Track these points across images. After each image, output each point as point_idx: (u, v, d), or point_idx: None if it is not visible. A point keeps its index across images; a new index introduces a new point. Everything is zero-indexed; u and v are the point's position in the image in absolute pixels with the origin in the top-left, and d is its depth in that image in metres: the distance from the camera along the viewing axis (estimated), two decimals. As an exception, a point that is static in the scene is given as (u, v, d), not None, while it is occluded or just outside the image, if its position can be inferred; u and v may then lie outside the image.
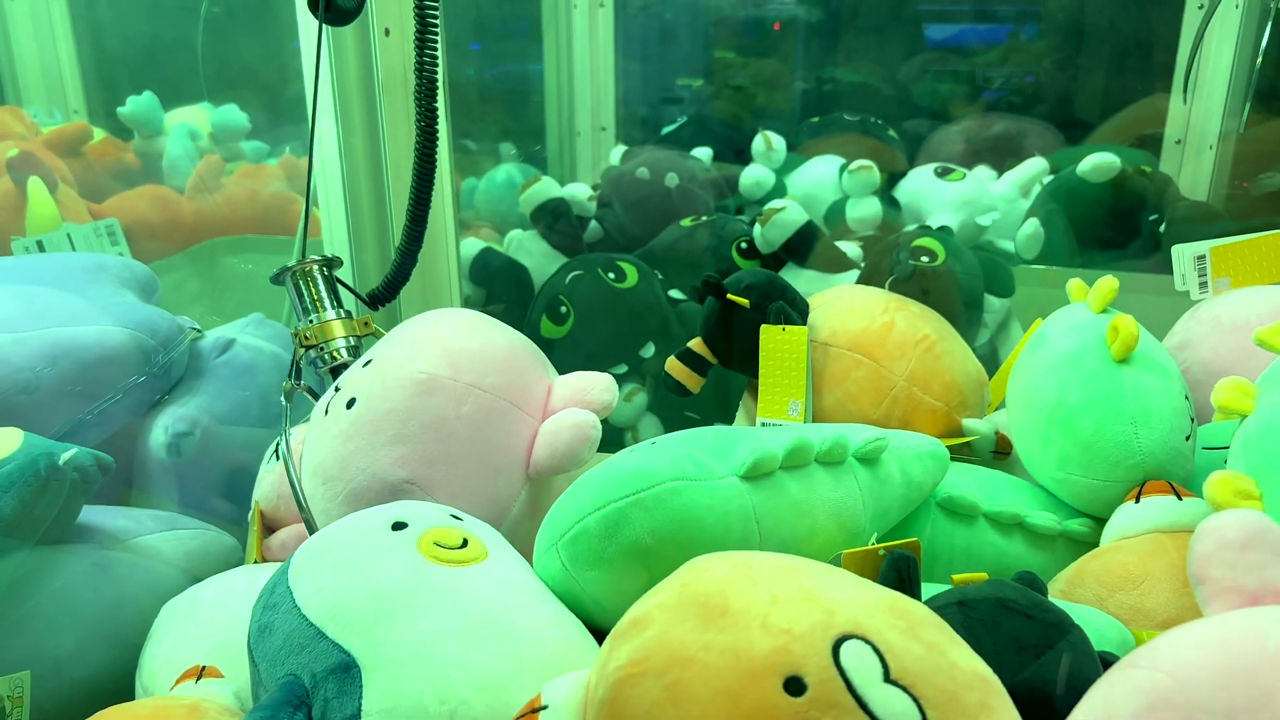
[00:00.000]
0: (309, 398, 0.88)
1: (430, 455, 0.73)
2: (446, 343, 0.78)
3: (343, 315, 0.93)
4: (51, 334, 0.88)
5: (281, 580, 0.60)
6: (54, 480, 0.73)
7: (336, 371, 0.89)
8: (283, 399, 0.87)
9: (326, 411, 0.78)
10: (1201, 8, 1.55)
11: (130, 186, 1.58)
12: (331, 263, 0.95)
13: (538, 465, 0.75)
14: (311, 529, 0.76)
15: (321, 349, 0.91)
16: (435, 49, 0.93)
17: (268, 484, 0.87)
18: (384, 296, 1.01)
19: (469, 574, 0.59)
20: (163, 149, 1.64)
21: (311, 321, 0.91)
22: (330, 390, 0.81)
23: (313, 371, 0.92)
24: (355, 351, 0.92)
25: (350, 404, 0.76)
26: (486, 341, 0.79)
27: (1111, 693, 0.44)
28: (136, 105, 1.66)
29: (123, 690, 0.73)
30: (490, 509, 0.74)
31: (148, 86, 1.68)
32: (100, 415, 0.90)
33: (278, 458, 0.87)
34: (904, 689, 0.44)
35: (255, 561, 0.84)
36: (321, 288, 0.93)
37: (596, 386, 0.79)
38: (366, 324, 0.94)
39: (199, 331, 1.01)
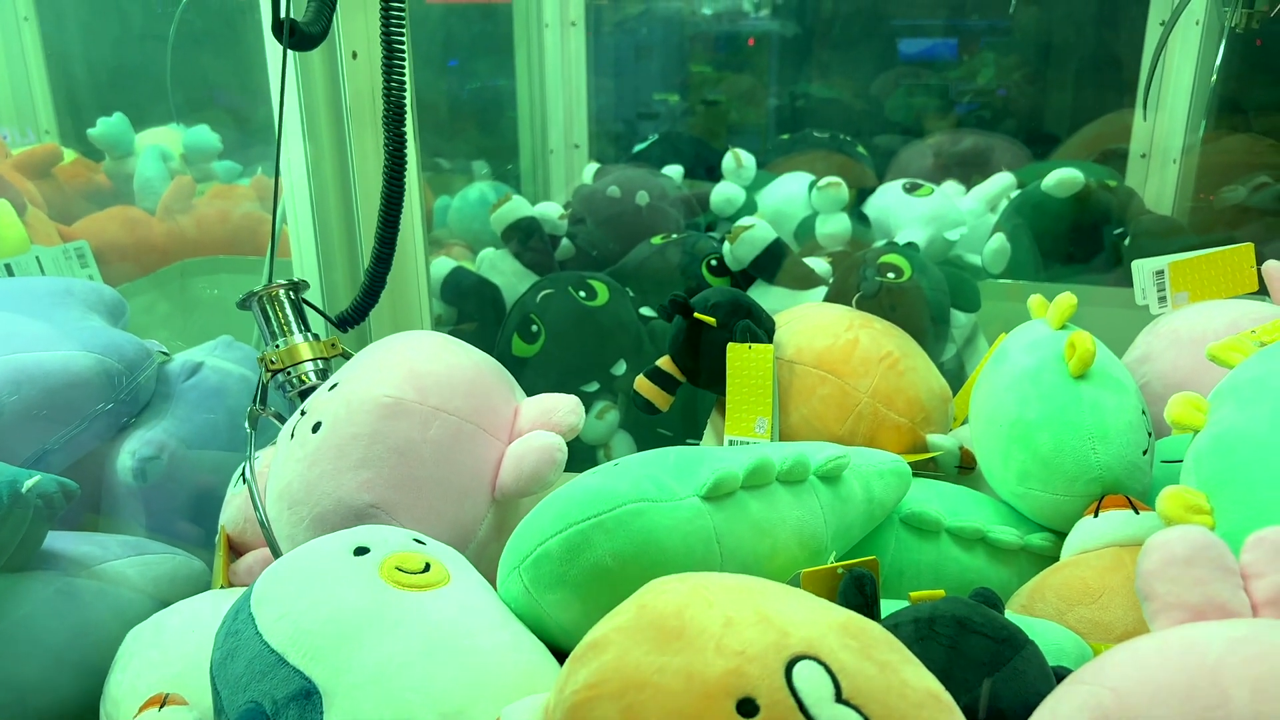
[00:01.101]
0: (275, 423, 0.88)
1: (396, 480, 0.73)
2: (413, 365, 0.78)
3: (310, 338, 0.93)
4: (16, 359, 0.87)
5: (244, 606, 0.60)
6: (17, 507, 0.73)
7: (305, 395, 0.89)
8: (247, 425, 0.87)
9: (292, 435, 0.78)
10: (1162, 25, 1.58)
11: (102, 208, 1.57)
12: (298, 286, 0.95)
13: (503, 488, 0.76)
14: (276, 554, 0.76)
15: (289, 373, 0.91)
16: (402, 73, 0.94)
17: (234, 507, 0.87)
18: (353, 319, 1.01)
19: (431, 598, 0.59)
20: (134, 170, 1.64)
21: (278, 345, 0.91)
22: (296, 414, 0.81)
23: (281, 396, 0.92)
24: (323, 374, 0.92)
25: (316, 428, 0.76)
26: (453, 364, 0.80)
27: (1058, 709, 0.45)
28: (107, 126, 1.65)
29: (87, 718, 0.73)
30: (456, 532, 0.74)
31: (119, 107, 1.68)
32: (66, 441, 0.89)
33: (244, 481, 0.87)
34: (855, 709, 0.45)
35: (222, 586, 0.84)
36: (288, 311, 0.93)
37: (563, 408, 0.80)
38: (334, 345, 0.94)
39: (166, 355, 1.01)
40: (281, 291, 0.93)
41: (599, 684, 0.47)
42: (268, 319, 0.93)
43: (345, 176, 1.13)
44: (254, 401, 0.88)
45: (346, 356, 0.91)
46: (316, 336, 0.94)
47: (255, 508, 0.79)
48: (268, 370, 0.90)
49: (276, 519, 0.77)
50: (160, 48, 1.65)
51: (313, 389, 0.88)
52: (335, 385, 0.79)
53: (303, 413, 0.79)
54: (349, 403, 0.76)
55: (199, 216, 1.57)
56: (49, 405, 0.88)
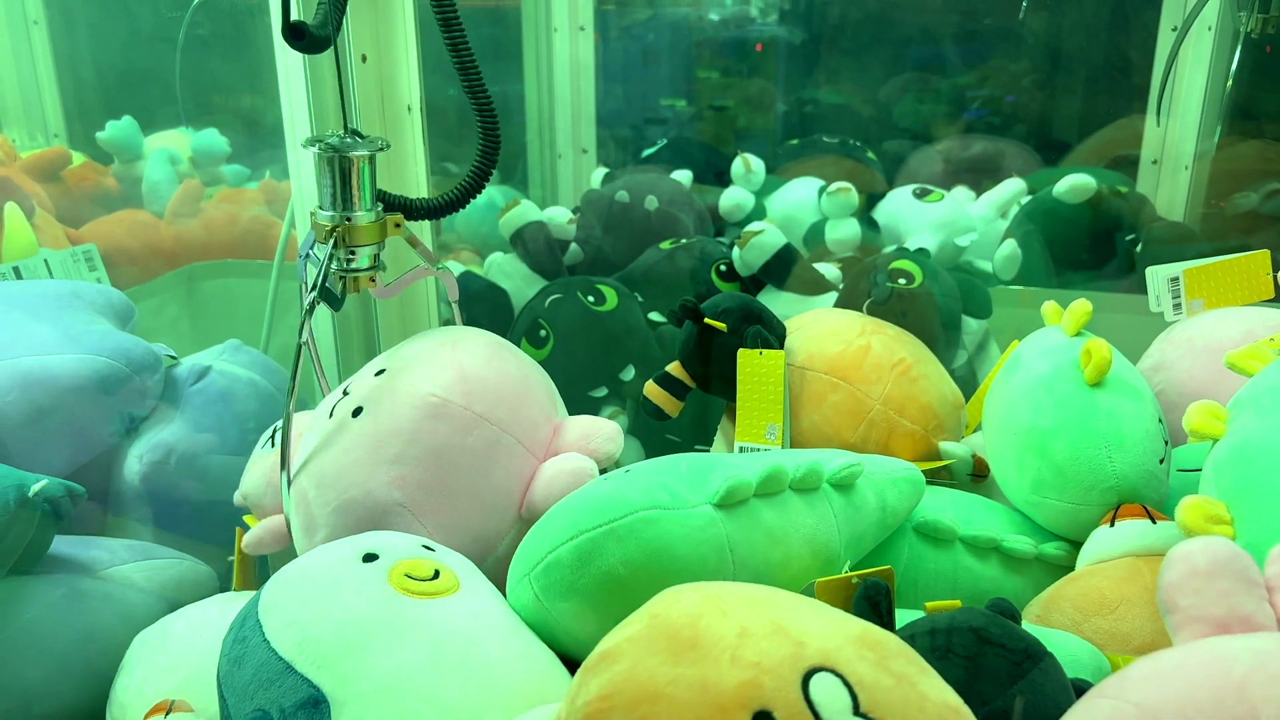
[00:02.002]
0: (329, 304, 0.81)
1: (428, 482, 0.72)
2: (463, 368, 0.77)
3: (378, 214, 0.83)
4: (23, 363, 0.87)
5: (252, 613, 0.59)
6: (24, 511, 0.73)
7: (346, 276, 0.83)
8: (303, 310, 0.78)
9: (331, 413, 0.78)
10: (1175, 30, 1.57)
11: (110, 211, 1.57)
12: (374, 155, 0.84)
13: (531, 506, 0.75)
14: (287, 521, 0.76)
15: (344, 247, 0.82)
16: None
17: (258, 471, 0.86)
18: (431, 209, 0.89)
19: (440, 606, 0.59)
20: (142, 173, 1.64)
21: (344, 215, 0.81)
22: (337, 392, 0.80)
23: (312, 264, 0.83)
24: (376, 261, 0.85)
25: (357, 413, 0.75)
26: (503, 372, 0.79)
27: (1080, 723, 0.44)
28: (116, 130, 1.65)
29: (93, 724, 0.73)
30: (478, 544, 0.73)
31: (128, 111, 1.68)
32: (73, 445, 0.89)
33: (273, 444, 0.86)
34: (873, 722, 0.44)
35: (239, 589, 0.83)
36: (364, 178, 0.82)
37: (602, 434, 0.79)
38: (398, 225, 0.86)
39: (174, 359, 1.01)
40: (361, 161, 0.82)
41: (611, 695, 0.46)
42: (333, 178, 0.82)
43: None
44: (310, 285, 0.80)
45: (408, 241, 0.87)
46: (382, 214, 0.85)
47: (283, 464, 0.76)
48: (324, 239, 0.81)
49: (301, 494, 0.76)
50: (170, 51, 1.64)
51: (355, 276, 0.83)
52: (382, 371, 0.78)
53: (345, 392, 0.78)
54: (394, 394, 0.75)
55: (207, 220, 1.56)
56: (56, 409, 0.87)
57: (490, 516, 0.74)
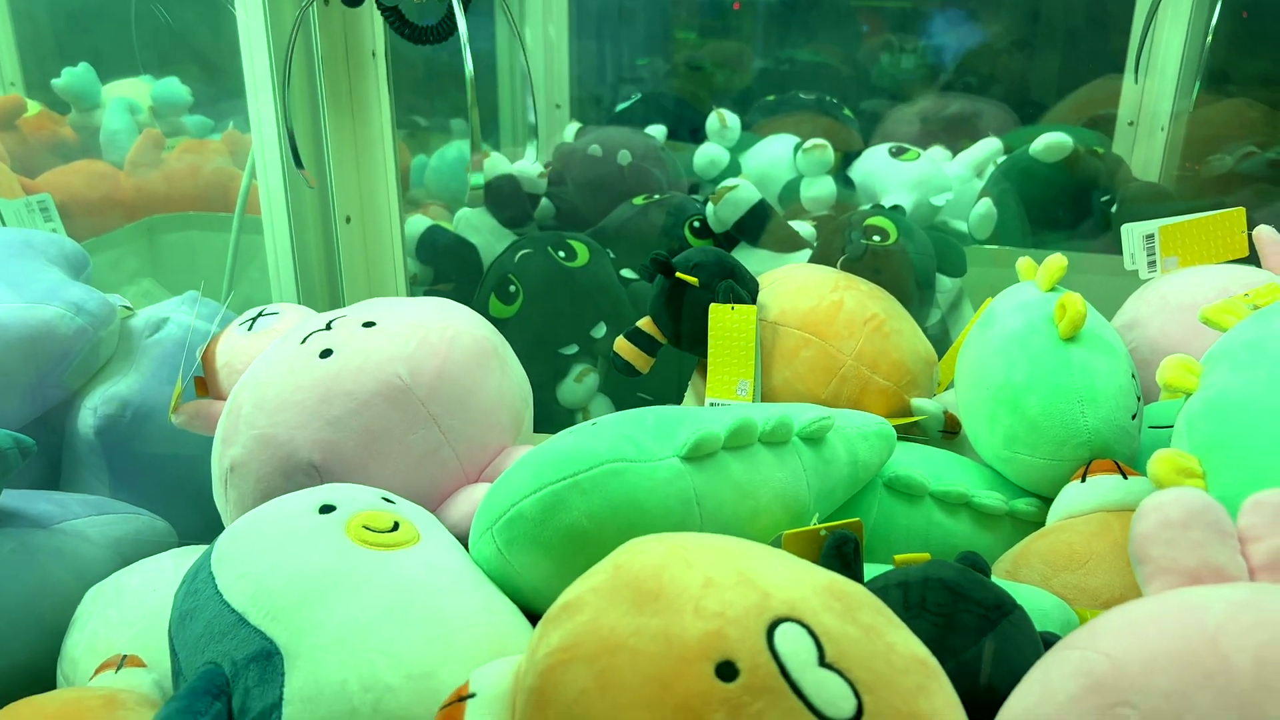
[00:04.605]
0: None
1: (351, 459, 0.70)
2: (443, 364, 0.75)
3: None
4: (-30, 312, 0.84)
5: (204, 566, 0.58)
6: (-31, 464, 0.70)
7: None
8: None
9: (304, 341, 0.76)
10: (1154, -12, 1.55)
11: (67, 161, 1.53)
12: None
13: (442, 519, 0.72)
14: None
15: None
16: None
17: (225, 349, 0.85)
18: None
19: (398, 558, 0.57)
20: (100, 123, 1.59)
21: None
22: (320, 322, 0.78)
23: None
24: None
25: (325, 354, 0.73)
26: (479, 384, 0.76)
27: (1050, 675, 0.43)
28: (72, 77, 1.60)
29: (44, 679, 0.71)
30: None
31: (85, 58, 1.63)
32: (22, 397, 0.86)
33: (251, 328, 0.85)
34: (839, 673, 0.43)
35: (172, 411, 0.81)
36: None
37: None
38: None
39: (130, 310, 0.98)
40: None
41: (572, 646, 0.45)
42: None
43: (317, 128, 1.10)
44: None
45: None
46: None
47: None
48: None
49: (237, 404, 0.74)
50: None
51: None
52: (372, 324, 0.76)
53: (328, 325, 0.76)
54: (365, 355, 0.73)
55: (168, 171, 1.52)
56: (5, 359, 0.84)
57: None
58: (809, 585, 0.47)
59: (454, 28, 0.85)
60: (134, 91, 1.64)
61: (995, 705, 0.46)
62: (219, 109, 1.64)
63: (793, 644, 0.43)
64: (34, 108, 1.60)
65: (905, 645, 0.46)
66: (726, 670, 0.42)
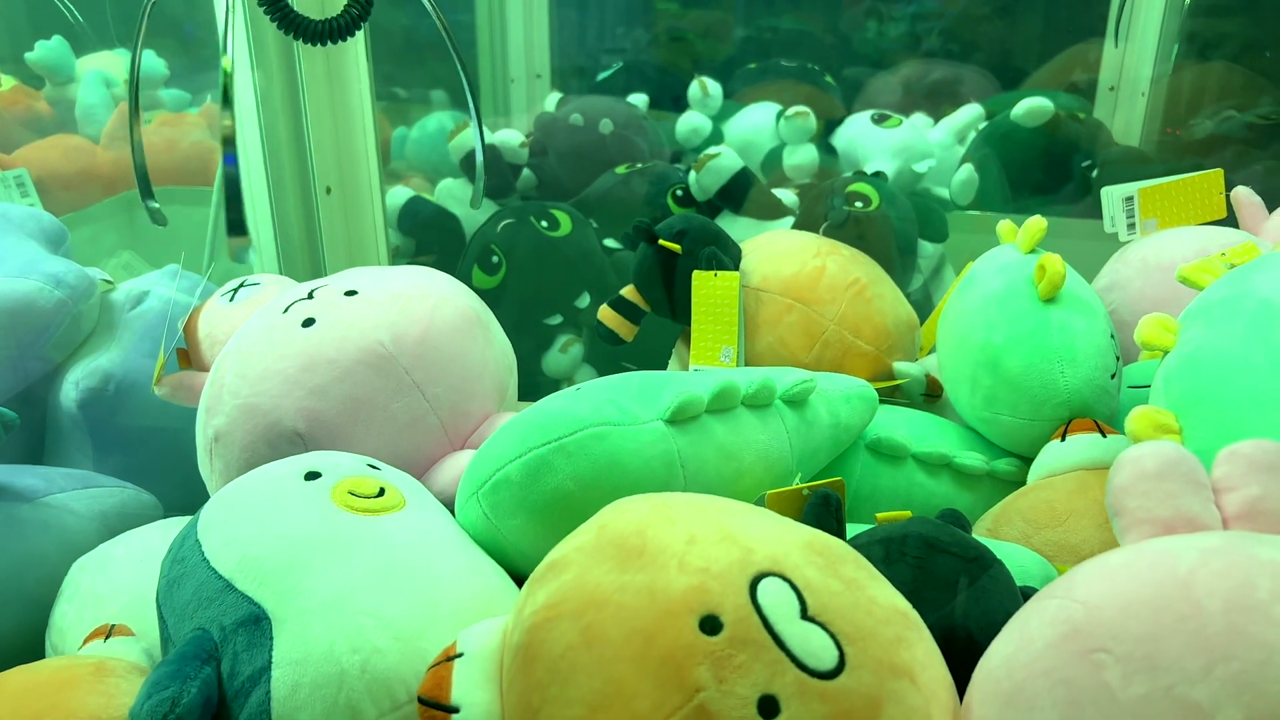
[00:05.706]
0: None
1: (335, 427, 0.70)
2: (426, 331, 0.74)
3: None
4: (-52, 286, 0.84)
5: (191, 534, 0.58)
6: (-48, 437, 0.70)
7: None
8: None
9: (286, 310, 0.75)
10: (1134, -48, 1.55)
11: (43, 136, 1.51)
12: None
13: (427, 485, 0.71)
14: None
15: None
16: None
17: (208, 319, 0.84)
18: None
19: (385, 523, 0.57)
20: (75, 97, 1.57)
21: None
22: (302, 291, 0.78)
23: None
24: None
25: (308, 323, 0.73)
26: (463, 351, 0.76)
27: (1028, 623, 0.44)
28: (46, 51, 1.57)
29: (32, 650, 0.71)
30: None
31: (58, 31, 1.60)
32: (5, 370, 0.86)
33: (233, 299, 0.85)
34: (821, 625, 0.44)
35: (156, 383, 0.81)
36: None
37: None
38: None
39: (110, 284, 0.97)
40: None
41: (558, 603, 0.45)
42: None
43: (296, 102, 1.09)
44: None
45: None
46: None
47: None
48: None
49: (220, 374, 0.74)
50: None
51: None
52: (355, 292, 0.76)
53: (310, 295, 0.76)
54: (348, 324, 0.73)
55: (145, 145, 1.50)
56: (-15, 333, 0.84)
57: None
58: (791, 540, 0.48)
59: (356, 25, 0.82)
60: (109, 64, 1.62)
61: (975, 656, 0.47)
62: (196, 82, 1.62)
63: (775, 597, 0.44)
64: (8, 82, 1.57)
65: (886, 598, 0.47)
66: (710, 624, 0.43)
